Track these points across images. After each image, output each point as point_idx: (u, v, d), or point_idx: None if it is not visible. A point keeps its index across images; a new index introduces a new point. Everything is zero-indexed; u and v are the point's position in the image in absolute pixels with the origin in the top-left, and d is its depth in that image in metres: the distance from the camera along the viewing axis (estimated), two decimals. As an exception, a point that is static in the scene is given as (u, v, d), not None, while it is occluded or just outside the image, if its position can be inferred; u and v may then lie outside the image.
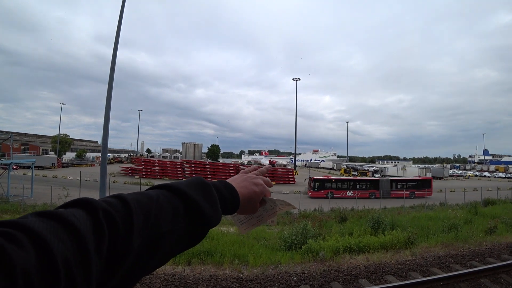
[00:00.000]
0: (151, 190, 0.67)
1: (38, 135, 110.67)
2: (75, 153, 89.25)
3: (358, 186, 31.57)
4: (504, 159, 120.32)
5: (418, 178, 36.32)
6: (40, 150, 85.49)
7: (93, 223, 0.49)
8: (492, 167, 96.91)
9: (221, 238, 9.45)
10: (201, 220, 0.67)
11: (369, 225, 10.91)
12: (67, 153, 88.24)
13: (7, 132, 60.72)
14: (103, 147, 19.77)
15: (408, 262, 6.33)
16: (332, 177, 34.13)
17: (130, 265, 0.53)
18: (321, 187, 31.15)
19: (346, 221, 13.11)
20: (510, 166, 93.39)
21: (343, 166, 77.10)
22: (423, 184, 33.21)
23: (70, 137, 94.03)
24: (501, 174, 79.89)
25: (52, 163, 59.04)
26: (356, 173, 60.79)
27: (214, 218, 0.70)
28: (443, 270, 5.66)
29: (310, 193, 30.80)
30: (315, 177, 33.65)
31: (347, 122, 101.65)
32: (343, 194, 29.50)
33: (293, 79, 66.18)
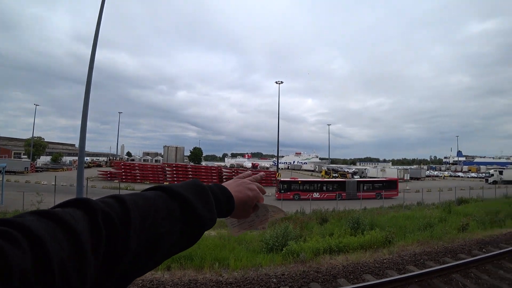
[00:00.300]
0: (147, 192, 0.67)
1: (10, 138, 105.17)
2: (51, 156, 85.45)
3: (324, 188, 32.12)
4: (476, 160, 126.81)
5: (385, 179, 36.88)
6: (12, 153, 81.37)
7: (90, 224, 0.49)
8: (465, 168, 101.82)
9: (202, 242, 9.32)
10: (197, 222, 0.67)
11: (349, 225, 11.12)
12: (42, 156, 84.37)
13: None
14: (80, 151, 19.05)
15: (385, 261, 6.48)
16: (298, 179, 34.61)
17: (126, 266, 0.53)
18: (288, 189, 31.63)
19: (327, 222, 13.30)
20: (482, 166, 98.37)
21: (324, 168, 79.32)
22: (389, 185, 33.70)
23: (45, 140, 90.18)
24: (473, 174, 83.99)
25: (25, 168, 56.33)
26: (336, 175, 62.51)
27: (210, 221, 0.71)
28: (418, 267, 5.85)
29: (277, 195, 31.05)
30: (282, 179, 34.60)
31: (328, 125, 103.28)
32: (309, 195, 29.56)
33: (276, 82, 66.49)
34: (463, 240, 9.17)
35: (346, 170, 69.24)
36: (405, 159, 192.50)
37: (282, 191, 30.96)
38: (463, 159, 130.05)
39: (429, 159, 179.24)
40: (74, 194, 17.20)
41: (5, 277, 0.33)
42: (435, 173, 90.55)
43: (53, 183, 35.73)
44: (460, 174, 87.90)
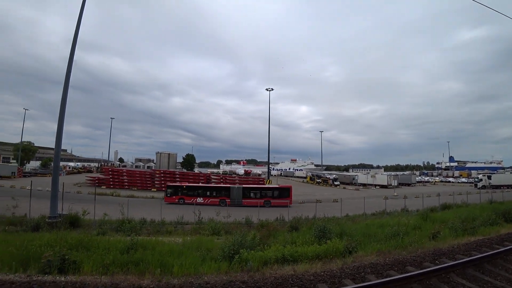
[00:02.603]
0: None
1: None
2: (40, 162, 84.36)
3: (208, 193, 32.29)
4: (468, 165, 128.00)
5: (276, 186, 35.72)
6: (1, 158, 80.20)
7: None
8: (456, 173, 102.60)
9: (158, 248, 9.15)
10: None
11: (314, 234, 10.95)
12: (31, 161, 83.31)
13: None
14: (55, 156, 18.87)
15: (333, 272, 6.23)
16: (184, 184, 35.07)
17: None
18: (174, 193, 32.29)
19: (297, 230, 13.14)
20: (473, 171, 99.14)
21: (309, 174, 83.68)
22: (281, 193, 32.54)
23: (36, 144, 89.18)
24: (464, 180, 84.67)
25: (12, 172, 55.57)
26: (320, 180, 68.85)
27: None
28: (355, 282, 5.61)
29: (165, 199, 31.69)
30: (169, 184, 35.59)
31: (321, 131, 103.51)
32: (193, 200, 30.32)
33: (267, 89, 66.72)
34: (426, 250, 8.99)
35: (327, 176, 71.71)
36: (398, 165, 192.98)
37: (168, 195, 31.91)
38: (455, 164, 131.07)
39: (422, 165, 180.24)
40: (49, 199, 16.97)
41: None
42: (426, 178, 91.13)
43: (39, 188, 35.38)
44: (451, 179, 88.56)
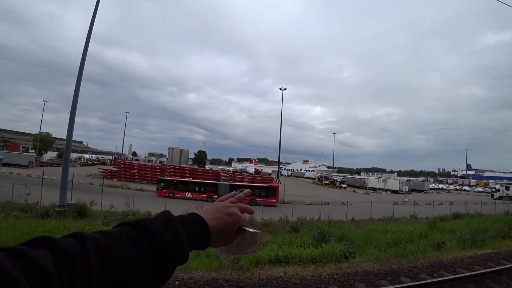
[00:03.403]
0: (115, 228, 0.64)
1: (20, 132, 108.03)
2: (57, 152, 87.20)
3: (196, 189, 32.82)
4: (486, 174, 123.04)
5: (263, 185, 35.68)
6: (21, 147, 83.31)
7: (54, 262, 0.49)
8: (473, 182, 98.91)
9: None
10: (166, 259, 0.63)
11: (313, 236, 10.80)
12: (49, 152, 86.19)
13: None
14: (66, 148, 19.46)
15: (322, 277, 6.15)
16: (174, 178, 36.01)
17: None
18: (166, 187, 33.04)
19: (298, 232, 12.99)
20: (491, 181, 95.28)
21: (318, 175, 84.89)
22: (267, 192, 32.57)
23: (55, 136, 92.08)
24: (480, 189, 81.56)
25: (30, 162, 57.53)
26: (327, 182, 69.13)
27: (181, 256, 0.66)
28: None
29: (157, 192, 32.67)
30: (160, 177, 36.63)
31: (334, 133, 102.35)
32: (182, 194, 31.33)
33: (280, 89, 66.50)
34: (427, 260, 8.72)
35: (335, 178, 71.94)
36: (412, 170, 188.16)
37: (160, 188, 32.73)
38: (472, 172, 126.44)
39: (437, 172, 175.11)
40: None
41: None
42: (440, 186, 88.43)
43: (53, 178, 36.57)
44: (466, 188, 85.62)
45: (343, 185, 64.33)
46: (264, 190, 32.86)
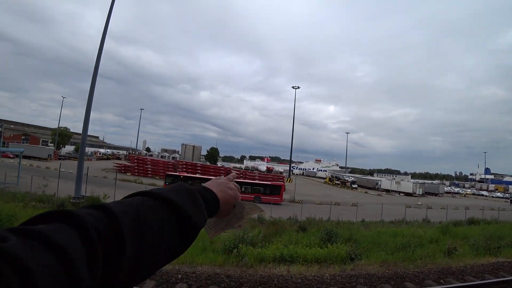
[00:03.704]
0: (134, 198, 0.62)
1: (40, 126, 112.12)
2: (74, 146, 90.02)
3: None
4: (506, 178, 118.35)
5: (268, 183, 35.13)
6: (40, 141, 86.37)
7: (85, 244, 0.42)
8: (492, 186, 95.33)
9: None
10: (189, 227, 0.64)
11: (319, 236, 10.75)
12: (67, 146, 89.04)
13: None
14: (82, 143, 20.10)
15: (323, 278, 6.14)
16: (181, 174, 36.39)
17: (121, 283, 0.49)
18: (173, 182, 33.42)
19: (305, 231, 12.95)
20: (510, 186, 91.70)
21: (329, 175, 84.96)
22: (272, 190, 32.24)
23: (72, 130, 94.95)
24: (499, 194, 78.58)
25: (48, 155, 59.56)
26: (338, 182, 69.08)
27: (201, 223, 0.69)
28: None
29: (164, 186, 33.04)
30: (168, 173, 37.34)
31: (347, 133, 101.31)
32: None
33: (293, 87, 66.30)
34: (435, 266, 8.51)
35: (346, 178, 71.88)
36: (427, 173, 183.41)
37: (167, 183, 32.77)
38: (490, 177, 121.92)
39: (453, 175, 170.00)
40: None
41: None
42: (457, 190, 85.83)
43: (70, 171, 37.80)
44: (484, 192, 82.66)
45: (353, 186, 64.06)
46: (269, 188, 32.88)
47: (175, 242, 0.62)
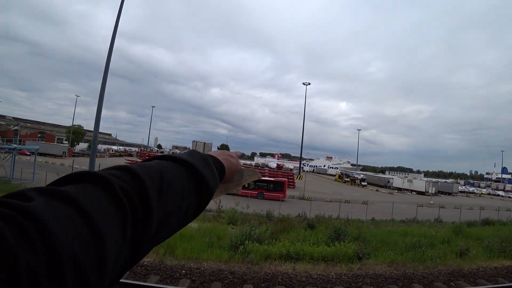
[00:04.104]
0: (157, 162, 0.61)
1: (55, 124, 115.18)
2: (88, 144, 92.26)
3: None
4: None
5: (272, 179, 34.80)
6: (55, 139, 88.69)
7: (114, 205, 0.42)
8: (509, 186, 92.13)
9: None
10: (206, 190, 0.66)
11: (327, 234, 10.64)
12: (81, 143, 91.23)
13: (15, 119, 63.82)
14: (93, 140, 20.48)
15: (329, 277, 6.05)
16: None
17: (145, 247, 0.49)
18: None
19: (313, 229, 12.86)
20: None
21: (338, 172, 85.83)
22: (275, 186, 32.21)
23: (85, 128, 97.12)
24: (516, 194, 76.08)
25: (63, 152, 61.18)
26: (348, 179, 68.67)
27: (214, 187, 0.70)
28: None
29: None
30: None
31: (358, 130, 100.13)
32: None
33: (303, 84, 65.87)
34: (446, 268, 8.27)
35: (355, 176, 71.85)
36: (441, 171, 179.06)
37: None
38: (508, 176, 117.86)
39: (468, 174, 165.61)
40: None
41: (11, 276, 0.26)
42: (471, 189, 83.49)
43: (83, 167, 38.78)
44: (500, 192, 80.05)
45: (363, 183, 63.52)
46: (272, 184, 32.85)
47: (194, 205, 0.63)
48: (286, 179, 36.62)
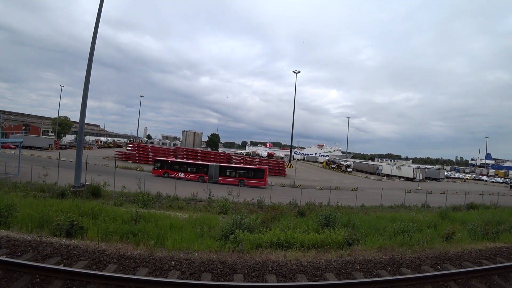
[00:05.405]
0: None
1: (40, 116, 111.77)
2: (75, 135, 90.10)
3: (189, 169, 34.21)
4: (507, 164, 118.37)
5: (252, 167, 36.29)
6: (41, 131, 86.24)
7: None
8: (492, 172, 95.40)
9: (160, 221, 9.54)
10: None
11: (318, 221, 10.77)
12: (68, 135, 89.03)
13: None
14: (79, 132, 19.93)
15: (319, 264, 6.11)
16: (169, 159, 37.50)
17: None
18: (161, 167, 34.81)
19: (304, 216, 13.00)
20: (511, 171, 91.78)
21: (325, 159, 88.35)
22: (256, 174, 33.42)
23: (72, 119, 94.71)
24: (499, 179, 78.74)
25: (49, 144, 59.58)
26: (334, 166, 71.73)
27: None
28: (338, 278, 5.30)
29: (153, 171, 34.75)
30: (157, 158, 38.76)
31: (348, 118, 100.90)
32: (176, 174, 32.19)
33: (294, 72, 65.41)
34: (433, 251, 8.45)
35: (341, 162, 73.90)
36: (428, 158, 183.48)
37: (156, 168, 34.68)
38: (491, 162, 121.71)
39: (454, 160, 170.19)
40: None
41: None
42: (457, 175, 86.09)
43: (71, 160, 37.95)
44: (484, 178, 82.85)
45: (349, 169, 65.83)
46: (252, 172, 33.77)
47: None
48: (266, 166, 37.15)
